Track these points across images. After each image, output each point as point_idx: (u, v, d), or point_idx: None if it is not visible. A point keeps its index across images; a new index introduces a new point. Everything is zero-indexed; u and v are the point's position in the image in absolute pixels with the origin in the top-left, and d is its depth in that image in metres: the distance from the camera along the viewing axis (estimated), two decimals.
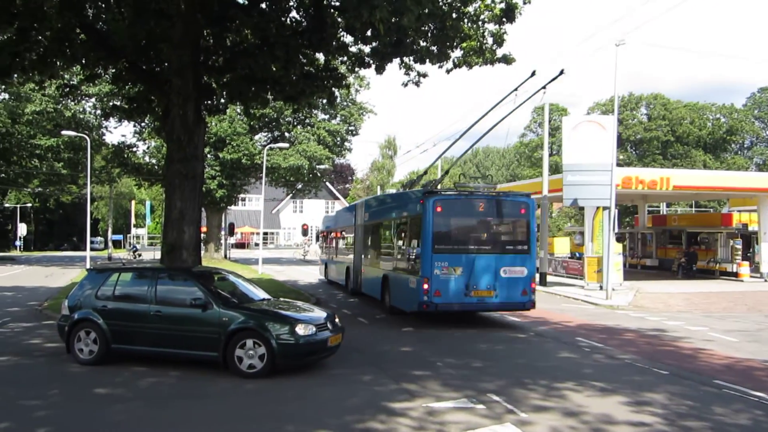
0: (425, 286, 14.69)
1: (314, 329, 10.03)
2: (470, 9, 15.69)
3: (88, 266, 33.93)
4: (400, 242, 17.08)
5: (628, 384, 9.70)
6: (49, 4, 12.75)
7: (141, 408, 8.23)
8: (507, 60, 16.62)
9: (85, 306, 10.97)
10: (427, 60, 16.78)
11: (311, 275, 35.25)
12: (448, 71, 16.93)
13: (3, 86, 43.24)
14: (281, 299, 12.02)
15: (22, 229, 76.97)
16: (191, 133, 16.18)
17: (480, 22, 15.98)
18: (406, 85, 17.74)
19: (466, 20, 15.84)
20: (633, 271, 35.78)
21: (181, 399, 8.71)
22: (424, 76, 17.82)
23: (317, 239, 33.81)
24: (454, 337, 14.19)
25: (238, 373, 9.78)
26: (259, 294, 11.69)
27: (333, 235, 27.50)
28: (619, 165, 29.90)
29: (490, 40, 16.28)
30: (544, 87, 17.90)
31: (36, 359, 11.28)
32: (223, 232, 50.15)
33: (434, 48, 16.48)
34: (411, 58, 17.10)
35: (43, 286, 27.10)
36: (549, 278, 29.20)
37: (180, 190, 16.29)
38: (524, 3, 15.57)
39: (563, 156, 24.00)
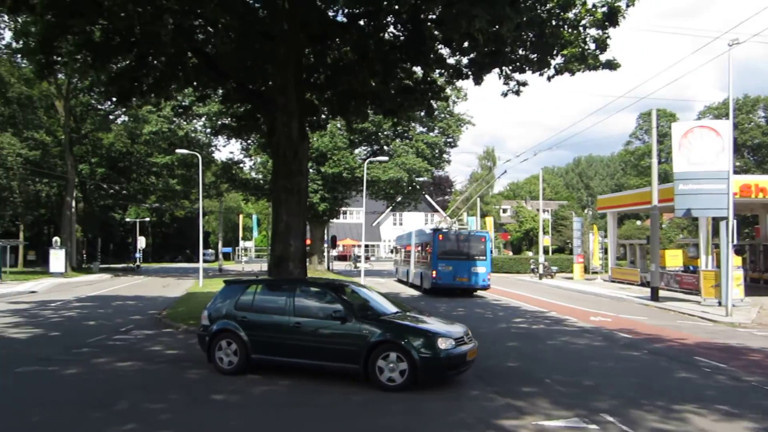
0: (434, 275, 28.51)
1: (453, 343, 9.85)
2: (570, 14, 15.31)
3: (200, 277, 35.71)
4: (425, 253, 30.87)
5: (756, 408, 9.04)
6: (164, 32, 13.60)
7: (255, 415, 8.55)
8: (611, 65, 16.08)
9: (225, 317, 11.22)
10: (527, 68, 16.54)
11: (410, 288, 35.32)
12: (549, 79, 16.61)
13: (123, 109, 46.56)
14: (412, 313, 11.74)
15: (141, 242, 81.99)
16: (295, 148, 16.73)
17: (581, 28, 15.57)
18: (505, 95, 17.54)
19: (566, 26, 15.47)
20: (755, 286, 33.27)
21: (293, 408, 8.97)
22: (524, 84, 17.56)
23: (391, 251, 46.24)
24: (562, 352, 13.79)
25: (379, 385, 9.69)
26: (390, 307, 11.50)
27: (399, 248, 42.00)
28: (735, 172, 28.17)
29: (592, 46, 15.82)
30: None
31: (158, 365, 11.96)
32: (325, 245, 51.33)
33: (534, 56, 16.22)
34: (510, 67, 16.90)
35: (161, 296, 28.75)
36: (661, 293, 27.57)
37: (286, 205, 16.86)
38: (627, 6, 15.02)
39: (674, 164, 22.88)
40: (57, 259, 43.56)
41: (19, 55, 39.22)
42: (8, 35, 47.74)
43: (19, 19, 17.12)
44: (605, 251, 45.29)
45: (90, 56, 15.68)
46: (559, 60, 16.15)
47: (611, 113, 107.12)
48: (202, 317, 11.69)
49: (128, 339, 15.29)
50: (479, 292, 30.27)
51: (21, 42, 16.39)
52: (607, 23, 15.23)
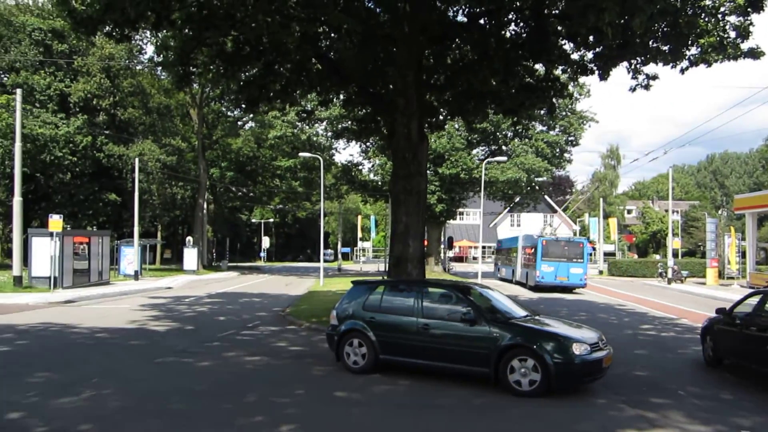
0: (538, 274, 33.24)
1: (588, 348, 9.50)
2: (707, 2, 14.30)
3: (321, 276, 36.76)
4: (530, 255, 35.23)
5: None
6: (291, 39, 14.10)
7: (377, 413, 8.63)
8: (754, 54, 14.84)
9: (353, 317, 11.33)
10: (658, 61, 15.62)
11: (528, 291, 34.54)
12: (682, 71, 15.60)
13: (251, 115, 48.88)
14: (541, 316, 11.29)
15: (265, 242, 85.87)
16: (415, 150, 16.80)
17: (719, 15, 14.50)
18: (634, 89, 16.67)
19: (703, 14, 14.46)
20: None
21: (413, 408, 8.97)
22: (654, 78, 16.60)
23: (493, 253, 50.57)
24: (695, 363, 12.90)
25: (510, 390, 9.51)
26: (517, 309, 11.14)
27: (503, 250, 45.18)
28: None
29: (732, 34, 14.68)
30: None
31: (283, 360, 12.39)
32: (442, 246, 51.26)
33: (666, 47, 15.29)
34: (639, 60, 16.05)
35: (284, 294, 29.86)
36: None
37: (405, 206, 16.96)
38: None
39: None
40: (190, 257, 46.42)
41: (159, 68, 42.18)
42: (150, 50, 51.55)
43: (160, 35, 18.34)
44: (743, 255, 42.10)
45: (222, 66, 16.56)
46: (694, 51, 15.13)
47: (751, 106, 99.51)
48: (331, 317, 11.82)
49: (255, 334, 15.95)
50: (591, 296, 31.35)
51: (161, 55, 17.56)
52: (749, 9, 14.09)
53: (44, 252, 26.92)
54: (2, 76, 48.95)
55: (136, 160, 40.87)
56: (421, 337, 10.40)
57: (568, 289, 33.52)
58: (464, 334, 10.02)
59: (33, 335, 14.96)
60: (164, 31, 16.35)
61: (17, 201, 26.59)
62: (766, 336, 10.08)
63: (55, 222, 26.15)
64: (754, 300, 11.49)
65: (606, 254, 60.72)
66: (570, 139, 46.51)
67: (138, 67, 50.90)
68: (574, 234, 76.85)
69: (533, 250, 34.46)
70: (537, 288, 33.61)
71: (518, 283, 37.99)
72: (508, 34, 16.92)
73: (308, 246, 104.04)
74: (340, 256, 64.24)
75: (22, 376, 10.30)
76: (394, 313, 10.95)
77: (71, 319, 17.98)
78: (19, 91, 28.89)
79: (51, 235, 26.32)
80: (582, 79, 43.63)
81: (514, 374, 9.52)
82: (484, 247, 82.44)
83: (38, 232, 28.34)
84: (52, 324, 16.95)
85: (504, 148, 46.66)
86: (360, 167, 51.21)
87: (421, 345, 10.39)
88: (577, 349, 9.34)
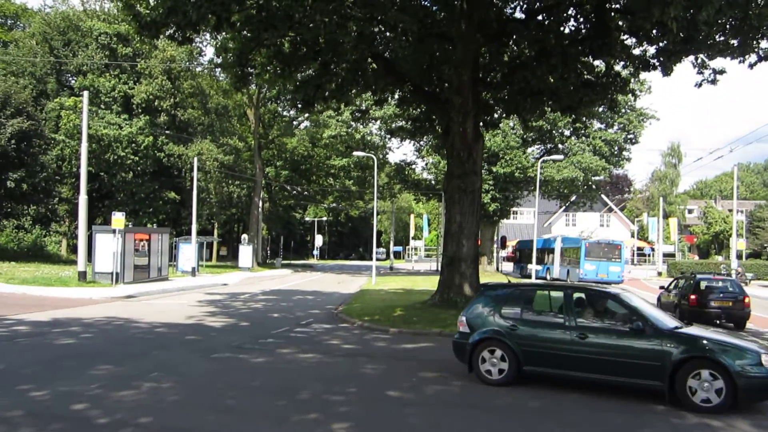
0: (581, 272, 38.02)
1: None
2: None
3: (373, 275, 36.79)
4: (572, 256, 40.46)
5: None
6: (347, 39, 14.14)
7: (429, 413, 8.53)
8: None
9: (487, 325, 10.43)
10: (726, 55, 15.00)
11: None
12: (751, 66, 14.94)
13: (306, 115, 49.41)
14: (696, 326, 10.47)
15: (318, 240, 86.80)
16: (470, 149, 16.61)
17: None
18: (699, 85, 16.05)
19: None
20: None
21: (466, 408, 8.83)
22: (721, 72, 15.96)
23: (514, 252, 51.89)
24: None
25: (690, 406, 8.80)
26: (667, 317, 10.13)
27: (526, 250, 46.74)
28: None
29: None
30: None
31: (336, 358, 12.41)
32: (495, 246, 50.68)
33: (734, 41, 14.67)
34: (705, 54, 15.44)
35: (336, 292, 30.03)
36: None
37: (459, 205, 16.80)
38: None
39: None
40: (245, 254, 47.22)
41: (218, 69, 43.06)
42: (210, 52, 52.68)
43: (219, 37, 18.66)
44: None
45: (279, 66, 16.75)
46: (764, 44, 14.49)
47: None
48: (459, 324, 10.85)
49: (308, 332, 16.05)
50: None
51: (221, 57, 17.87)
52: None
53: (107, 248, 27.81)
54: (71, 78, 50.91)
55: (195, 159, 41.79)
56: (576, 347, 9.54)
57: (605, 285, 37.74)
58: (631, 344, 9.21)
59: (97, 329, 15.43)
60: (224, 33, 16.64)
61: (83, 199, 27.52)
62: None
63: (118, 219, 26.98)
64: None
65: (665, 255, 58.99)
66: (629, 137, 45.31)
67: (198, 69, 52.18)
68: (632, 234, 74.97)
69: (576, 250, 40.11)
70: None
71: (555, 280, 40.99)
72: (567, 30, 16.58)
73: (360, 244, 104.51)
74: (392, 254, 64.34)
75: (86, 368, 10.61)
76: (539, 321, 10.16)
77: (132, 314, 18.48)
78: (86, 93, 29.90)
79: (113, 231, 27.18)
80: (643, 75, 42.47)
81: (695, 389, 8.85)
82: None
83: (102, 228, 29.26)
84: (114, 318, 17.46)
85: (560, 146, 45.80)
86: (413, 166, 51.16)
87: (575, 356, 9.54)
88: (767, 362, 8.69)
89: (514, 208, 57.27)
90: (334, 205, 73.47)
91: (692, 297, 17.75)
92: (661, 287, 20.80)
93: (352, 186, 61.18)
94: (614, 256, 39.25)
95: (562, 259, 42.69)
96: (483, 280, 27.93)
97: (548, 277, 42.43)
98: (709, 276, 19.44)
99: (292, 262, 69.42)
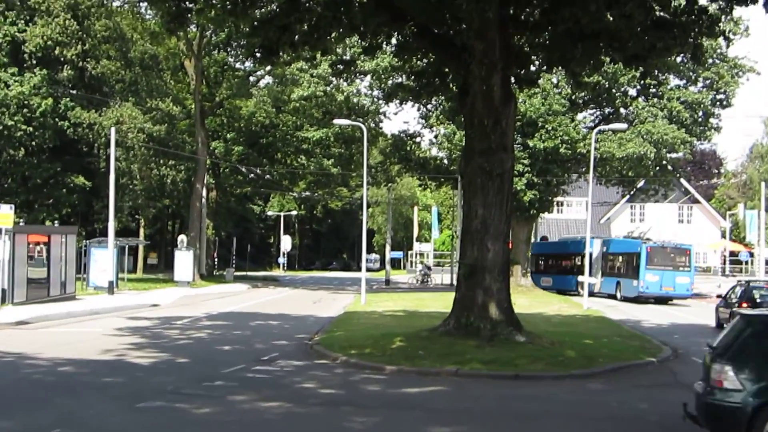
0: (642, 284, 40.28)
1: None
2: None
3: (362, 291, 36.79)
4: (623, 263, 43.89)
5: None
6: None
7: None
8: None
9: None
10: None
11: (658, 312, 34.00)
12: None
13: (268, 68, 49.25)
14: None
15: (286, 242, 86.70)
16: (497, 114, 16.64)
17: None
18: None
19: None
20: None
21: None
22: None
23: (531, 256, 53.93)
24: None
25: None
26: None
27: (549, 256, 53.96)
28: None
29: None
30: None
31: (311, 408, 12.41)
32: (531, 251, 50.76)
33: None
34: None
35: (311, 316, 30.06)
36: None
37: (482, 193, 16.84)
38: None
39: None
40: (183, 263, 47.18)
41: (144, 4, 42.92)
42: None
43: None
44: None
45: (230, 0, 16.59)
46: None
47: None
48: (719, 376, 9.58)
49: (272, 371, 16.06)
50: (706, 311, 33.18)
51: None
52: None
53: None
54: None
55: (113, 130, 41.45)
56: None
57: (663, 300, 41.37)
58: None
59: None
60: None
61: None
62: None
63: (5, 215, 26.77)
64: None
65: None
66: (719, 97, 45.35)
67: (115, 4, 52.01)
68: (723, 234, 75.19)
69: (629, 257, 42.85)
70: (635, 299, 41.28)
71: (595, 294, 42.85)
72: None
73: (345, 249, 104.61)
74: (388, 263, 64.34)
75: None
76: None
77: (26, 347, 18.41)
78: None
79: None
80: (738, 11, 42.48)
81: None
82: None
83: None
84: (1, 354, 17.40)
85: (623, 111, 45.83)
86: (418, 139, 51.18)
87: None
88: None
89: (559, 198, 57.30)
90: (308, 194, 73.51)
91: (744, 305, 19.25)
92: (719, 296, 22.90)
93: (332, 168, 61.11)
94: (682, 264, 41.38)
95: (606, 267, 45.25)
96: (517, 297, 27.99)
97: (582, 291, 42.25)
98: (763, 284, 20.72)
99: (250, 273, 69.38)
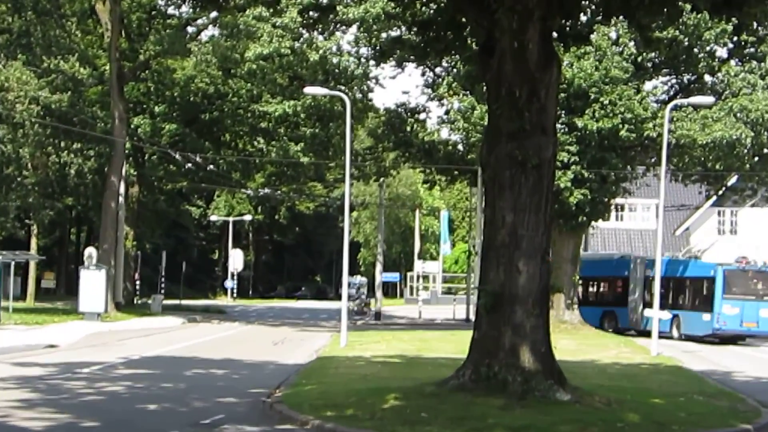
0: (717, 319, 42.70)
1: None
2: None
3: (343, 328, 36.76)
4: (685, 290, 47.17)
5: None
6: None
7: None
8: None
9: None
10: None
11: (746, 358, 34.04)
12: None
13: (214, 13, 49.20)
14: None
15: (236, 259, 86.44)
16: (534, 82, 16.64)
17: None
18: None
19: None
20: None
21: None
22: None
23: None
24: None
25: None
26: None
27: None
28: None
29: None
30: None
31: None
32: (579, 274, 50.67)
33: None
34: None
35: (271, 362, 30.06)
36: None
37: (512, 192, 16.84)
38: None
39: None
40: (92, 287, 46.99)
41: None
42: None
43: None
44: None
45: None
46: None
47: None
48: None
49: None
50: None
51: None
52: None
53: None
54: None
55: None
56: None
57: (733, 339, 44.73)
58: None
59: None
60: None
61: None
62: None
63: None
64: None
65: None
66: None
67: None
68: None
69: (700, 283, 45.77)
70: (699, 338, 43.79)
71: (640, 332, 46.17)
72: None
73: (318, 269, 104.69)
74: (379, 288, 64.28)
75: None
76: None
77: None
78: None
79: None
80: None
81: None
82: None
83: None
84: None
85: (708, 79, 45.93)
86: (422, 116, 51.22)
87: None
88: None
89: (618, 200, 57.36)
90: (267, 191, 73.44)
91: None
92: None
93: (301, 155, 61.01)
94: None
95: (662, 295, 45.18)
96: (559, 338, 27.72)
97: (610, 325, 46.08)
98: None
99: (185, 302, 69.21)
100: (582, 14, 20.30)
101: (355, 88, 49.90)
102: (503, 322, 17.27)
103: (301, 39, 47.48)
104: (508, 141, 16.75)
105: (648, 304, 45.26)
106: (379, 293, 63.38)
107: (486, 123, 17.73)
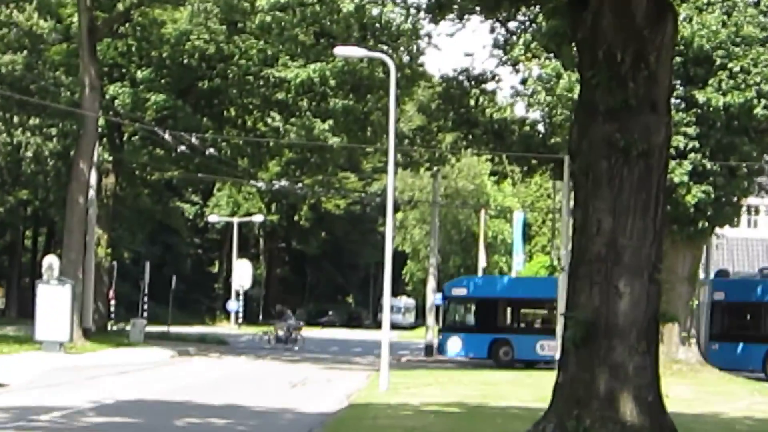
0: None
1: None
2: None
3: (383, 365, 36.87)
4: None
5: None
6: None
7: None
8: None
9: None
10: None
11: None
12: None
13: None
14: None
15: (242, 273, 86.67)
16: (640, 43, 16.66)
17: None
18: None
19: None
20: None
21: None
22: None
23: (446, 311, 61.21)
24: None
25: None
26: None
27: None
28: None
29: None
30: None
31: None
32: (703, 295, 50.56)
33: None
34: None
35: (287, 410, 30.18)
36: None
37: (610, 189, 16.84)
38: None
39: None
40: (53, 308, 47.36)
41: None
42: None
43: None
44: None
45: None
46: None
47: None
48: None
49: None
50: None
51: None
52: None
53: None
54: None
55: None
56: None
57: None
58: None
59: None
60: None
61: None
62: None
63: None
64: None
65: None
66: None
67: None
68: None
69: None
70: None
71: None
72: None
73: (350, 286, 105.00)
74: (431, 312, 64.34)
75: None
76: None
77: None
78: None
79: None
80: None
81: None
82: None
83: None
84: None
85: None
86: (490, 86, 51.31)
87: None
88: None
89: (753, 200, 57.20)
90: (284, 184, 73.61)
91: None
92: None
93: (330, 136, 61.26)
94: None
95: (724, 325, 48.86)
96: (672, 383, 27.55)
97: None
98: None
99: (175, 329, 69.70)
100: None
101: (402, 48, 50.10)
102: (598, 361, 17.25)
103: None
104: (606, 121, 16.75)
105: (720, 335, 48.33)
106: (431, 319, 63.54)
107: (576, 96, 17.69)
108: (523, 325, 58.09)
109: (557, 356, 47.96)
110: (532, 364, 52.87)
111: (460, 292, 60.52)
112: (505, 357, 54.33)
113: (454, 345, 56.66)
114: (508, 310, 57.91)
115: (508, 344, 54.56)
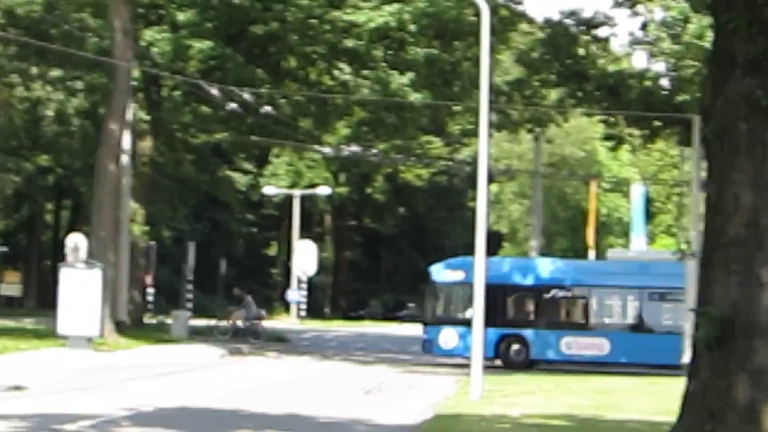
0: None
1: None
2: None
3: (477, 369, 36.84)
4: None
5: None
6: None
7: None
8: None
9: None
10: None
11: None
12: None
13: None
14: None
15: (305, 257, 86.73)
16: None
17: None
18: None
19: None
20: None
21: None
22: None
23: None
24: None
25: None
26: None
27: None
28: None
29: None
30: None
31: None
32: None
33: None
34: None
35: (360, 421, 30.22)
36: None
37: (751, 158, 16.75)
38: None
39: None
40: (79, 297, 47.58)
41: None
42: None
43: None
44: None
45: None
46: None
47: None
48: None
49: None
50: None
51: None
52: None
53: None
54: None
55: None
56: None
57: None
58: None
59: None
60: None
61: None
62: None
63: None
64: None
65: None
66: None
67: None
68: None
69: None
70: None
71: None
72: None
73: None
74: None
75: None
76: None
77: None
78: None
79: None
80: None
81: None
82: None
83: None
84: None
85: None
86: (602, 32, 51.17)
87: None
88: None
89: None
90: (355, 150, 73.65)
91: None
92: None
93: (410, 92, 61.24)
94: None
95: None
96: None
97: None
98: None
99: (222, 323, 69.99)
100: None
101: None
102: (736, 366, 17.17)
103: None
104: (746, 74, 16.63)
105: None
106: None
107: (709, 45, 17.58)
108: (541, 317, 57.45)
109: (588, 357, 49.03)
110: (551, 365, 53.57)
111: (455, 276, 59.80)
112: (517, 357, 54.63)
113: (449, 340, 56.80)
114: (522, 298, 58.26)
115: (522, 341, 54.77)
